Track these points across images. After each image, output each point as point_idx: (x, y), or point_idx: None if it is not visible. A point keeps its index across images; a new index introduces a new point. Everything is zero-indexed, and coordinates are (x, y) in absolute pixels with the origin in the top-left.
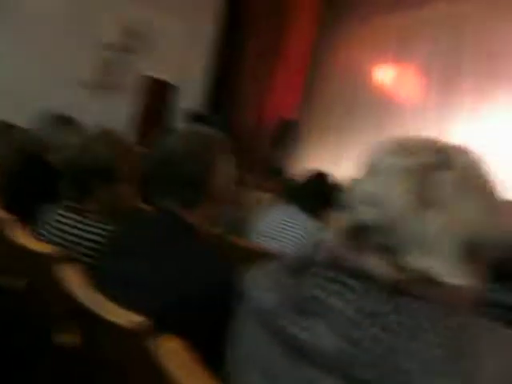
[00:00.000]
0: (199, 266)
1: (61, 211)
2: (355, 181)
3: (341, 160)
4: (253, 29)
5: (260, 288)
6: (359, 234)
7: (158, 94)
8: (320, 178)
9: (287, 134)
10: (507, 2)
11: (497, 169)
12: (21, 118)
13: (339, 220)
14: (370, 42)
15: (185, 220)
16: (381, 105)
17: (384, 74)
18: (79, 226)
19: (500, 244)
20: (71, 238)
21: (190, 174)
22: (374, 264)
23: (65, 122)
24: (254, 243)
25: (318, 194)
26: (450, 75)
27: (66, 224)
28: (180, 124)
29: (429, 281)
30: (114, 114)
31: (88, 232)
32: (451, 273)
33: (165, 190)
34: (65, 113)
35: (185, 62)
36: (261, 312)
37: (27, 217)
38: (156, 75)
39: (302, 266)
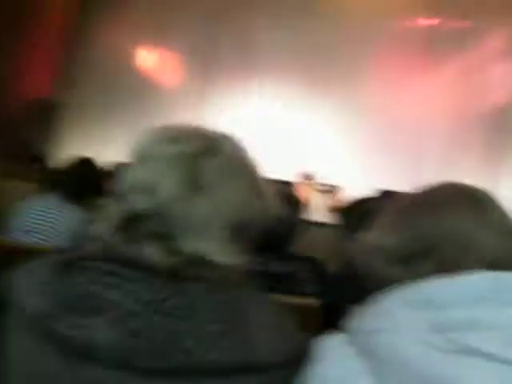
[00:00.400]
0: None
1: None
2: (125, 168)
3: (105, 145)
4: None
5: (24, 291)
6: (132, 222)
7: None
8: (84, 165)
9: (45, 115)
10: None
11: (258, 152)
12: None
13: (110, 209)
14: (131, 24)
15: None
16: (144, 89)
17: (146, 59)
18: None
19: (263, 220)
20: None
21: None
22: (149, 252)
23: None
24: (12, 240)
25: (84, 182)
26: (208, 61)
27: None
28: None
29: (202, 262)
30: None
31: None
32: (222, 252)
33: None
34: None
35: None
36: (28, 317)
37: None
38: None
39: (72, 262)
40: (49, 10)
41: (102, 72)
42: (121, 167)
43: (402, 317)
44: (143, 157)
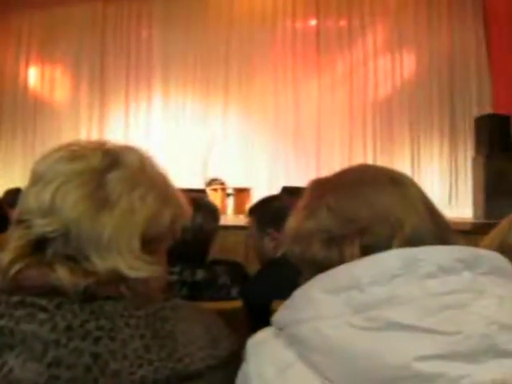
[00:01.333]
0: None
1: None
2: (25, 192)
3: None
4: None
5: None
6: (38, 247)
7: None
8: None
9: None
10: (145, 6)
11: (165, 161)
12: None
13: (13, 236)
14: (13, 41)
15: None
16: (32, 107)
17: (32, 75)
18: None
19: (175, 229)
20: None
21: None
22: (59, 276)
23: None
24: None
25: None
26: (97, 74)
27: None
28: None
29: (117, 279)
30: None
31: None
32: (135, 266)
33: None
34: None
35: None
36: None
37: None
38: None
39: None
40: None
41: None
42: (23, 192)
43: (324, 303)
44: (42, 178)
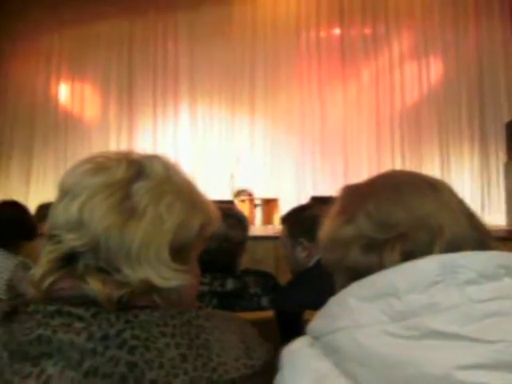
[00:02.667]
0: None
1: None
2: (54, 206)
3: (30, 186)
4: None
5: None
6: (69, 261)
7: None
8: (10, 208)
9: None
10: (170, 21)
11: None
12: None
13: (47, 251)
14: (44, 60)
15: None
16: (64, 123)
17: (62, 93)
18: None
19: (204, 238)
20: None
21: None
22: (93, 287)
23: None
24: None
25: (11, 225)
26: (125, 90)
27: None
28: None
29: (148, 290)
30: None
31: None
32: (165, 276)
33: None
34: None
35: None
36: None
37: None
38: None
39: (14, 308)
40: None
41: (19, 113)
42: (50, 206)
43: (360, 311)
44: (69, 192)
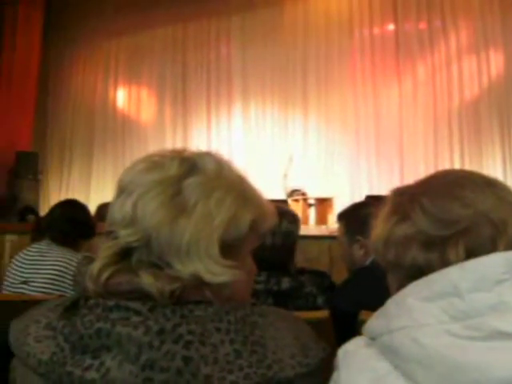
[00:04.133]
0: None
1: None
2: (112, 204)
3: (90, 186)
4: None
5: (35, 339)
6: (124, 256)
7: None
8: (69, 206)
9: (27, 166)
10: (223, 24)
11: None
12: None
13: (104, 246)
14: (102, 66)
15: None
16: (121, 126)
17: (120, 97)
18: None
19: (259, 235)
20: None
21: None
22: (148, 281)
23: None
24: (11, 293)
25: (70, 223)
26: (182, 90)
27: None
28: None
29: (199, 284)
30: None
31: None
32: (215, 271)
33: None
34: None
35: None
36: (39, 365)
37: None
38: None
39: (76, 303)
40: (17, 63)
41: (80, 115)
42: (110, 204)
43: (420, 311)
44: (125, 189)
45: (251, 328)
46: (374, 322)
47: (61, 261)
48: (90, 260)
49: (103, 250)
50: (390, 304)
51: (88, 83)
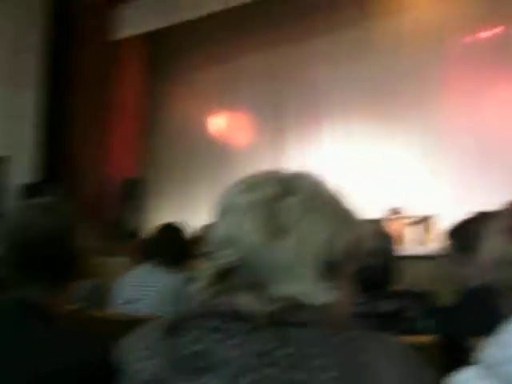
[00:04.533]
0: (66, 354)
1: None
2: (210, 226)
3: (190, 210)
4: (79, 91)
5: (137, 358)
6: (225, 276)
7: None
8: (170, 229)
9: (133, 192)
10: (308, 47)
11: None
12: None
13: (202, 267)
14: (198, 95)
15: (41, 307)
16: (218, 152)
17: (216, 123)
18: None
19: (356, 254)
20: None
21: (54, 255)
22: (247, 302)
23: None
24: (116, 312)
25: (172, 245)
26: (274, 114)
27: None
28: (13, 200)
29: (298, 306)
30: None
31: None
32: (314, 293)
33: (20, 277)
34: None
35: (11, 133)
36: (142, 383)
37: None
38: None
39: (177, 323)
40: (124, 95)
41: (178, 143)
42: (208, 226)
43: None
44: (223, 211)
45: (353, 353)
46: (490, 350)
47: (164, 282)
48: (192, 281)
49: (203, 270)
50: (508, 330)
51: (186, 112)
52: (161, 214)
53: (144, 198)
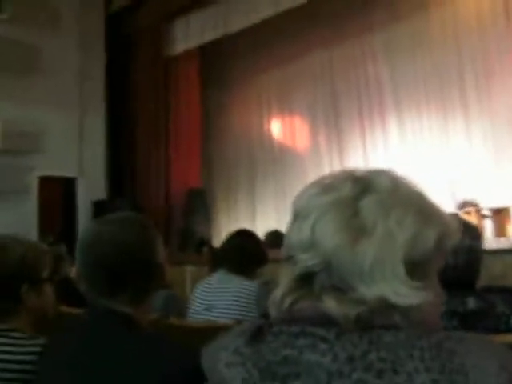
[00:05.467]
0: (159, 363)
1: None
2: (288, 229)
3: (254, 216)
4: (140, 109)
5: (224, 365)
6: (305, 281)
7: (56, 190)
8: (239, 237)
9: (199, 202)
10: (366, 43)
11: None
12: None
13: (284, 272)
14: (255, 101)
15: (130, 318)
16: (279, 156)
17: (274, 128)
18: (6, 349)
19: (444, 251)
20: None
21: (136, 268)
22: (332, 306)
23: None
24: (195, 321)
25: (244, 252)
26: (334, 115)
27: None
28: (86, 216)
29: (386, 308)
30: (12, 219)
31: (17, 354)
32: (402, 293)
33: (105, 289)
34: None
35: (80, 155)
36: None
37: None
38: (51, 173)
39: (261, 329)
40: (182, 108)
41: (238, 150)
42: (275, 233)
43: None
44: (300, 214)
45: (448, 355)
46: None
47: (240, 288)
48: (268, 285)
49: (284, 275)
50: None
51: (244, 119)
52: (226, 222)
53: (210, 207)
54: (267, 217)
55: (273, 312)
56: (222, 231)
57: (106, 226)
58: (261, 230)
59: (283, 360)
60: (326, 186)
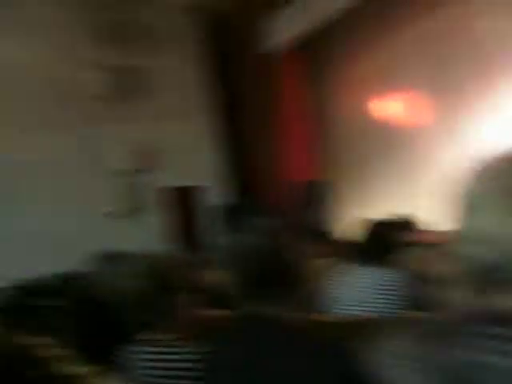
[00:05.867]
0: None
1: (145, 348)
2: (460, 221)
3: (373, 202)
4: (246, 107)
5: (394, 364)
6: (482, 276)
7: (183, 200)
8: (379, 226)
9: (319, 194)
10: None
11: None
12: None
13: (455, 267)
14: (361, 82)
15: (285, 320)
16: (393, 138)
17: (386, 108)
18: (174, 357)
19: None
20: (170, 372)
21: (281, 271)
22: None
23: (114, 257)
24: (338, 316)
25: (382, 242)
26: (449, 89)
27: (158, 360)
28: (218, 221)
29: None
30: (145, 234)
31: (184, 361)
32: None
33: (255, 294)
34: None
35: (200, 163)
36: None
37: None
38: (177, 184)
39: (435, 328)
40: (288, 100)
41: (349, 138)
42: (459, 221)
43: None
44: (472, 204)
45: None
46: None
47: (381, 280)
48: (409, 274)
49: (455, 272)
50: None
51: (351, 104)
52: (344, 212)
53: (330, 199)
54: (386, 205)
55: (451, 312)
56: (341, 223)
57: (250, 236)
58: (381, 216)
59: (471, 364)
60: (493, 172)
